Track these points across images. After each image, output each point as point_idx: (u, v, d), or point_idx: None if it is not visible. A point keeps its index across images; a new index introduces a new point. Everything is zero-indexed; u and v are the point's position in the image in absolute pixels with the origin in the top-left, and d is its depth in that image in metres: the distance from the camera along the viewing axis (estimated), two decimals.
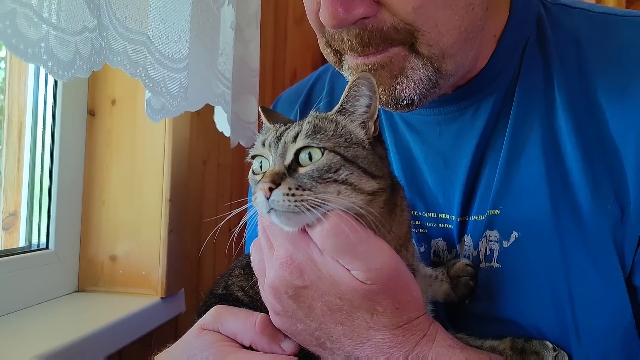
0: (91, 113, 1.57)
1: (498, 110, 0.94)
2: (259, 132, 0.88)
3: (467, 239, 0.94)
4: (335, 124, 0.78)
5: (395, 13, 0.79)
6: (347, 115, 0.79)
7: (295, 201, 0.69)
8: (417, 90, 0.84)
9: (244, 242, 0.88)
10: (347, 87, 0.77)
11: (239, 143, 1.77)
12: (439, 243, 0.99)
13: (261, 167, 0.79)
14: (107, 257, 1.56)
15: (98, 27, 0.98)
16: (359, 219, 0.71)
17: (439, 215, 0.98)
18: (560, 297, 0.81)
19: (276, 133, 0.79)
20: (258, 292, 0.84)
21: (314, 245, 0.73)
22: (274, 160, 0.76)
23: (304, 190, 0.70)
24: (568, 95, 0.87)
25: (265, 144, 0.79)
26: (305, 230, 0.73)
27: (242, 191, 2.18)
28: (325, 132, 0.76)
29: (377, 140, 0.81)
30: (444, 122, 0.98)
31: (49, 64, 0.88)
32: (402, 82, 0.84)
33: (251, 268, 0.85)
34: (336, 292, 0.72)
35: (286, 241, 0.74)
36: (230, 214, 0.80)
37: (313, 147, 0.74)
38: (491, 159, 0.93)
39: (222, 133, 1.71)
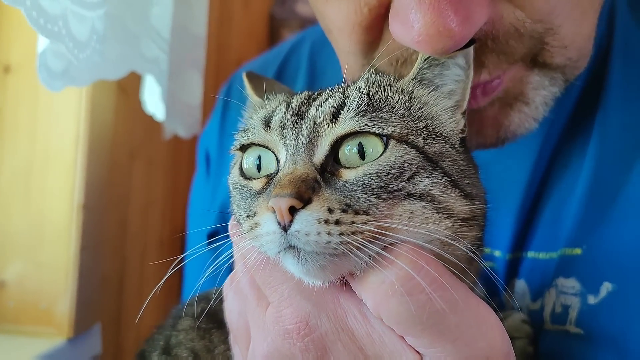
0: None
1: (578, 99, 0.79)
2: (204, 119, 0.69)
3: (520, 284, 0.80)
4: (409, 98, 0.58)
5: (523, 5, 0.61)
6: (429, 89, 0.60)
7: (342, 234, 0.49)
8: (538, 118, 0.69)
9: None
10: None
11: (175, 134, 1.65)
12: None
13: (259, 168, 0.60)
14: None
15: None
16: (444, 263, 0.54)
17: None
18: None
19: (292, 106, 0.58)
20: None
21: (352, 303, 0.53)
22: (291, 154, 0.56)
23: (356, 213, 0.50)
24: None
25: (273, 125, 0.58)
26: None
27: (177, 195, 2.05)
28: (392, 108, 0.56)
29: (464, 144, 0.64)
30: None
31: None
32: (518, 113, 0.68)
33: (210, 318, 0.69)
34: None
35: (299, 296, 0.54)
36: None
37: (371, 133, 0.54)
38: (566, 170, 0.79)
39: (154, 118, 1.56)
